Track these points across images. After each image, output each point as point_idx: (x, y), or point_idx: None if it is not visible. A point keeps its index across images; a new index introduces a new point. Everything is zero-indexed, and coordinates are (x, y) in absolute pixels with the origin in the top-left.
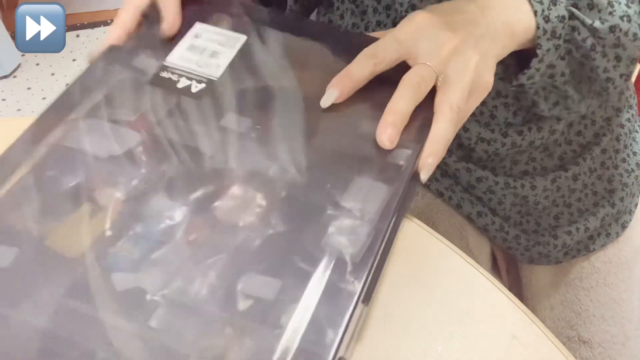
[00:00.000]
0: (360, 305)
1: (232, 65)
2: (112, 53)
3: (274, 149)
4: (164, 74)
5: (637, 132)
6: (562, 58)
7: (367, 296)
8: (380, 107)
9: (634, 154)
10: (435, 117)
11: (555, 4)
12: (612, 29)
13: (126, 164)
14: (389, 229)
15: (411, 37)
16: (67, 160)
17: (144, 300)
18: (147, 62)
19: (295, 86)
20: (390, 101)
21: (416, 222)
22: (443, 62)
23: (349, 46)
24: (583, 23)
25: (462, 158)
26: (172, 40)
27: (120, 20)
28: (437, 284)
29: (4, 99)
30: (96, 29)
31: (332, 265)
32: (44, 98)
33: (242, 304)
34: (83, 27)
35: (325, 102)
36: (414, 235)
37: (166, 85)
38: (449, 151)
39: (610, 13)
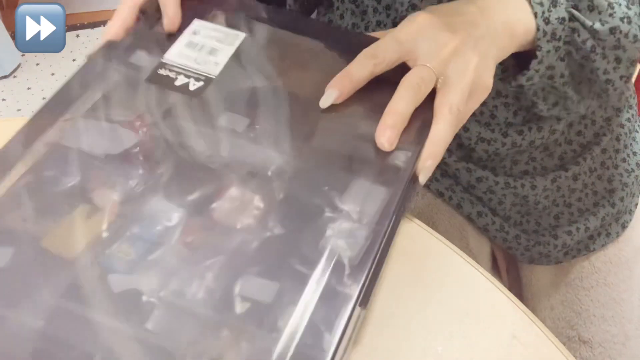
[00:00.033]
0: (357, 308)
1: (230, 63)
2: (110, 49)
3: (272, 149)
4: (162, 71)
5: (637, 132)
6: (562, 59)
7: (365, 300)
8: (379, 109)
9: (634, 153)
10: (434, 119)
11: (555, 6)
12: (612, 30)
13: (123, 164)
14: (388, 231)
15: (412, 37)
16: (64, 159)
17: (141, 302)
18: (145, 59)
19: (294, 86)
20: (389, 102)
21: (416, 222)
22: (443, 64)
23: (349, 46)
24: (583, 25)
25: (462, 158)
26: (170, 37)
27: (119, 15)
28: (437, 284)
29: (4, 99)
30: (96, 29)
31: (330, 268)
32: (44, 98)
33: (239, 307)
34: (83, 27)
35: (325, 102)
36: (414, 235)
37: (164, 83)
38: (449, 151)
39: (611, 15)
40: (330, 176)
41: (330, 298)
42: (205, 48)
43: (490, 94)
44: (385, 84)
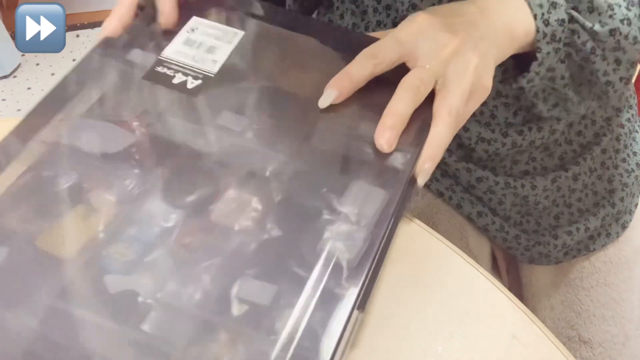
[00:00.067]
0: (355, 311)
1: (228, 61)
2: (107, 46)
3: (270, 150)
4: (160, 69)
5: (637, 132)
6: (562, 61)
7: (363, 302)
8: (378, 109)
9: (634, 154)
10: (433, 121)
11: (555, 7)
12: (612, 32)
13: (120, 164)
14: (386, 234)
15: (412, 38)
16: (60, 158)
17: (137, 303)
18: (142, 56)
19: (293, 85)
20: (389, 103)
21: (416, 222)
22: (443, 64)
23: (349, 46)
24: (583, 26)
25: (462, 158)
26: (168, 35)
27: (117, 12)
28: (437, 284)
29: (4, 99)
30: (96, 29)
31: (328, 270)
32: None
33: (237, 309)
34: (83, 27)
35: (324, 102)
36: (414, 235)
37: (162, 81)
38: (449, 151)
39: (611, 16)
40: (328, 178)
41: (328, 301)
42: (204, 46)
43: (490, 94)
44: (384, 84)
